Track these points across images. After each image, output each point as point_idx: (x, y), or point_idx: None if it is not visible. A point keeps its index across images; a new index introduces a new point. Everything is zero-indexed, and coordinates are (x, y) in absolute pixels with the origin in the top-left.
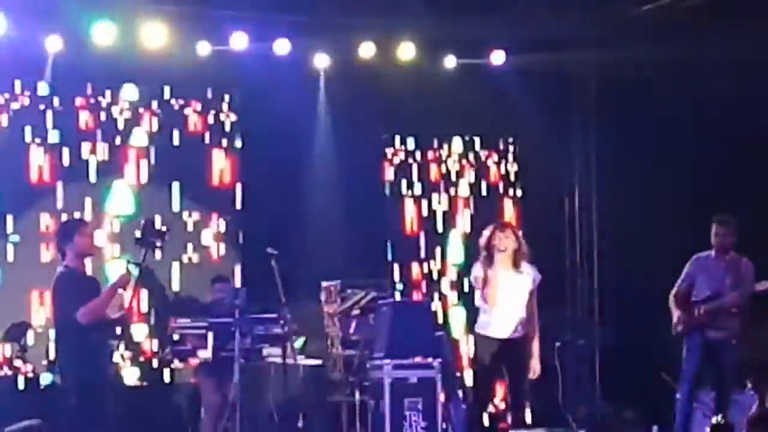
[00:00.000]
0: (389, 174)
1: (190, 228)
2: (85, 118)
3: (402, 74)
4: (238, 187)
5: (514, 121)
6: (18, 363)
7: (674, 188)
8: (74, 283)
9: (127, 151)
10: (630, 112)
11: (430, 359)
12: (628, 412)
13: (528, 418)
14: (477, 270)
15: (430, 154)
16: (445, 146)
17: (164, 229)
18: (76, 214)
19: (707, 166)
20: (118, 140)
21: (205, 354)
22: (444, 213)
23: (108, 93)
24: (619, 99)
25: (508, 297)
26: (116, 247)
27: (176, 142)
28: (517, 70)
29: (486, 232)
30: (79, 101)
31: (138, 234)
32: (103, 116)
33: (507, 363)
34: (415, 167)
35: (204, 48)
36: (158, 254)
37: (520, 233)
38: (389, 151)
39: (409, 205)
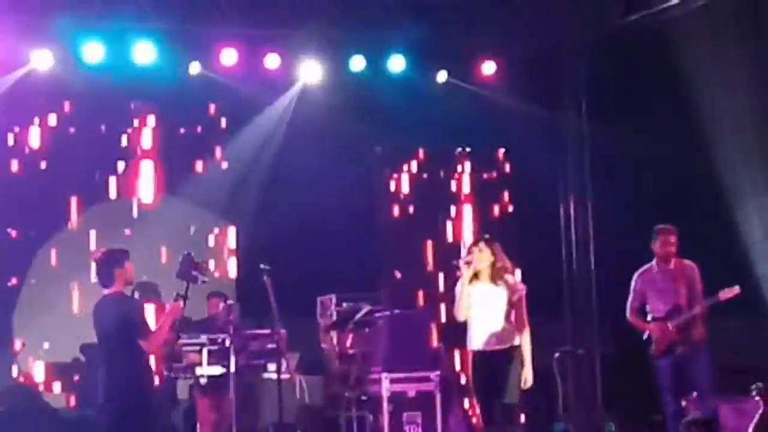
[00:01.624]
0: (385, 187)
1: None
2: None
3: (393, 87)
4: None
5: (507, 131)
6: None
7: (671, 194)
8: (138, 309)
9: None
10: (623, 118)
11: (428, 372)
12: (630, 422)
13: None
14: (458, 285)
15: (423, 166)
16: (437, 158)
17: (202, 262)
18: None
19: (704, 170)
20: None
21: (201, 371)
22: (439, 225)
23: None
24: (612, 103)
25: (483, 311)
26: None
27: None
28: (507, 81)
29: (465, 248)
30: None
31: (179, 268)
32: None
33: (486, 376)
34: (408, 179)
35: (195, 67)
36: None
37: (498, 247)
38: (383, 163)
39: (406, 218)
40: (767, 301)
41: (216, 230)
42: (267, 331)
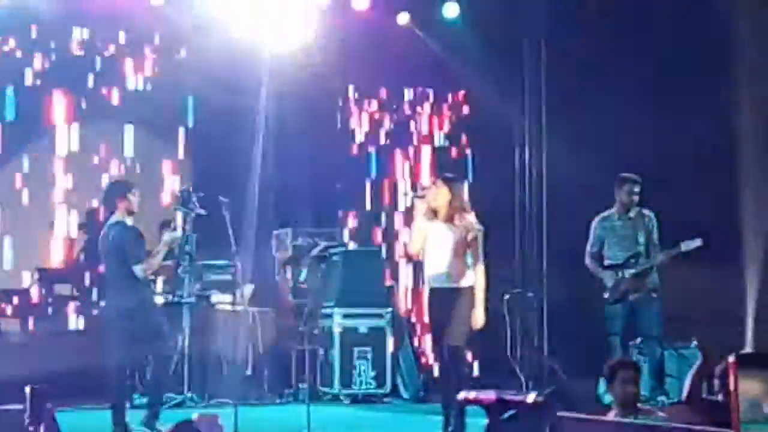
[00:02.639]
0: (346, 125)
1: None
2: None
3: (356, 25)
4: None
5: (465, 73)
6: None
7: (625, 141)
8: (135, 237)
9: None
10: (584, 61)
11: (380, 309)
12: (576, 363)
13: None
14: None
15: (384, 106)
16: (397, 98)
17: (199, 195)
18: None
19: (662, 119)
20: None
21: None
22: (397, 166)
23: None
24: (571, 49)
25: (437, 249)
26: None
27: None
28: (469, 23)
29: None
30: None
31: (178, 201)
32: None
33: (437, 314)
34: (369, 118)
35: None
36: None
37: (458, 186)
38: (345, 102)
39: (366, 157)
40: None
41: (173, 159)
42: (223, 262)
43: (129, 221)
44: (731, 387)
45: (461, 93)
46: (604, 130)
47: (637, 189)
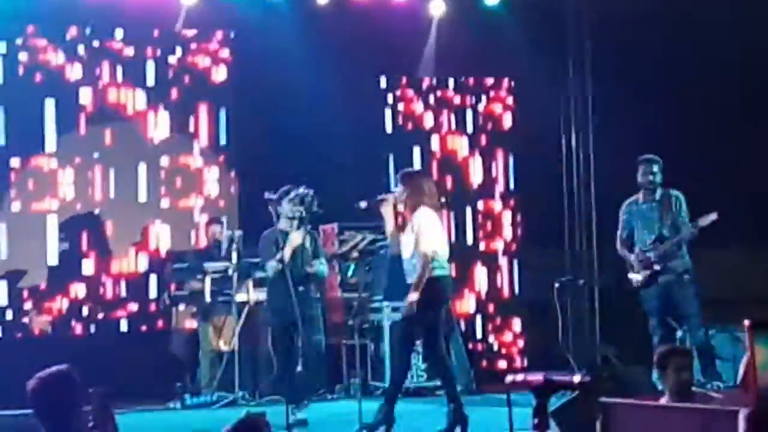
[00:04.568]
0: (387, 115)
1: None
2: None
3: (396, 13)
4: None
5: (510, 61)
6: None
7: (672, 126)
8: (264, 242)
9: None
10: (627, 48)
11: None
12: (629, 351)
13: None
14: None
15: (425, 95)
16: (440, 87)
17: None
18: None
19: (705, 105)
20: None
21: (203, 299)
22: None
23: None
24: (616, 33)
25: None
26: None
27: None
28: (511, 9)
29: None
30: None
31: (299, 202)
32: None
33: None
34: (409, 108)
35: None
36: None
37: (420, 181)
38: (386, 92)
39: (409, 149)
40: None
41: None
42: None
43: (282, 224)
44: (748, 350)
45: (505, 80)
46: (654, 113)
47: (654, 169)
